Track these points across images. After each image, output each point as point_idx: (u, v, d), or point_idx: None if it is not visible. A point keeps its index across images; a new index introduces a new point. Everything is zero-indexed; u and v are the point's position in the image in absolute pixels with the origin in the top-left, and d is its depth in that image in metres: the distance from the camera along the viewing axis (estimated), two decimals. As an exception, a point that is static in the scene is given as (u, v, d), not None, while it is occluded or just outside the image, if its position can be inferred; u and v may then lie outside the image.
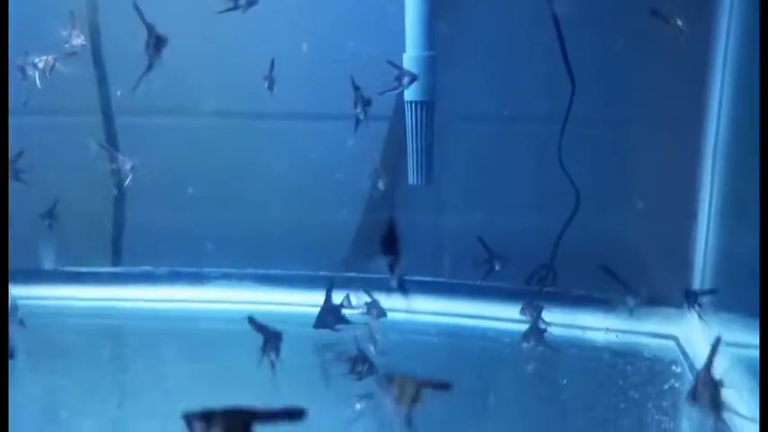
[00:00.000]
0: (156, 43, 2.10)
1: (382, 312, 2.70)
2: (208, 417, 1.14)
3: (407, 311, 2.72)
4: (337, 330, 2.58)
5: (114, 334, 2.76)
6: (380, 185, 2.82)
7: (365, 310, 2.68)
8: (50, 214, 2.79)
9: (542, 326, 2.56)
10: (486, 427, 2.20)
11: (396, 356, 2.69)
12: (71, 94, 2.92)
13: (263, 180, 3.10)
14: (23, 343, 2.31)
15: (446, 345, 2.82)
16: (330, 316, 2.57)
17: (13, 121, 2.90)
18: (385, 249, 1.68)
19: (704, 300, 2.60)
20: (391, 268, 1.73)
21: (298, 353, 2.69)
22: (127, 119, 3.14)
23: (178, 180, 3.00)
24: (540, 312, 2.60)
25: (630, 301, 2.55)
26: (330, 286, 2.61)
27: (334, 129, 3.02)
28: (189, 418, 1.14)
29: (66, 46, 2.60)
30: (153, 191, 2.93)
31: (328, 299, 2.59)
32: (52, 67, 2.57)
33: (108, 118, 3.11)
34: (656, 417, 2.16)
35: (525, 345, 2.53)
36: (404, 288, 2.37)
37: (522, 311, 2.66)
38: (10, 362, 1.96)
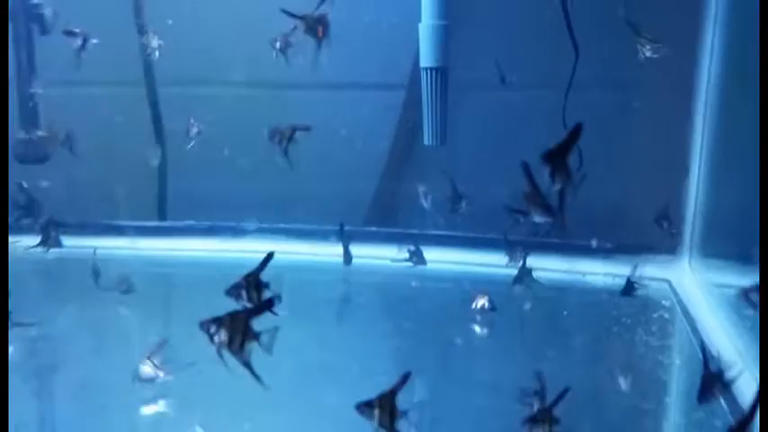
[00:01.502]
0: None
1: (423, 261, 3.13)
2: (217, 319, 1.52)
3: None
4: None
5: (163, 279, 3.09)
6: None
7: (408, 258, 3.13)
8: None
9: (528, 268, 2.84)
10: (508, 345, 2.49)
11: (420, 300, 3.03)
12: (118, 68, 3.25)
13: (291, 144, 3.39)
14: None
15: (458, 290, 3.11)
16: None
17: (67, 92, 3.23)
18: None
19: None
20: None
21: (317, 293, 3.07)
22: (167, 89, 3.44)
23: (215, 145, 3.29)
24: (525, 258, 2.88)
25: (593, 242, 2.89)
26: (342, 230, 3.04)
27: (354, 97, 3.32)
28: (203, 324, 1.52)
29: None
30: (193, 155, 3.24)
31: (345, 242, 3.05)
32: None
33: (151, 89, 3.41)
34: (645, 337, 2.46)
35: (517, 287, 2.82)
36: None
37: (510, 261, 2.95)
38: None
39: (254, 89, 3.41)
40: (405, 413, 1.56)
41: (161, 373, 2.03)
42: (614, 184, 3.17)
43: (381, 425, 1.54)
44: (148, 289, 2.84)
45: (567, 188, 1.65)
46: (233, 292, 1.72)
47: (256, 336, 1.50)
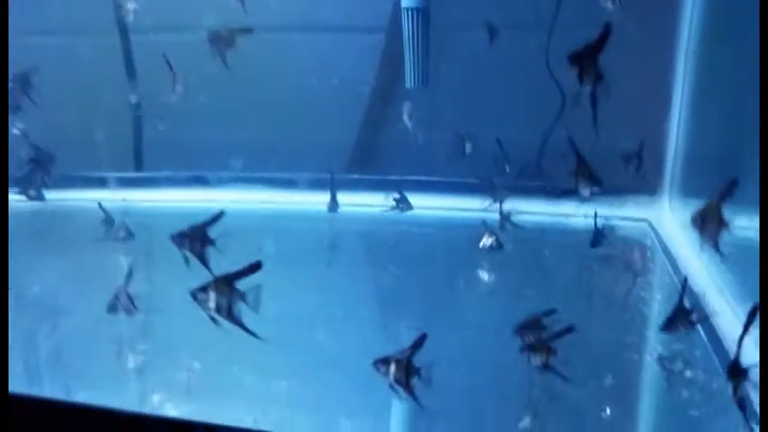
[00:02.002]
0: None
1: (409, 206, 3.14)
2: (204, 287, 1.60)
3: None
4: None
5: (143, 229, 3.04)
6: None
7: (395, 205, 3.13)
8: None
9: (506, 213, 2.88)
10: (493, 287, 2.53)
11: (402, 246, 3.03)
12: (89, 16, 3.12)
13: (268, 90, 3.31)
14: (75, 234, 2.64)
15: (443, 235, 3.12)
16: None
17: (36, 41, 3.10)
18: None
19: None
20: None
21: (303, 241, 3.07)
22: (140, 37, 3.32)
23: (189, 93, 3.20)
24: (502, 202, 2.92)
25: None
26: (332, 177, 2.99)
27: (333, 40, 3.23)
28: (193, 293, 1.60)
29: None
30: (168, 103, 3.15)
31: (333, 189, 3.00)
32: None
33: (124, 37, 3.29)
34: (625, 274, 2.49)
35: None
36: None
37: (490, 205, 2.96)
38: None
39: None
40: (419, 371, 1.60)
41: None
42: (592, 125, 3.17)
43: (397, 381, 1.59)
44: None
45: (599, 88, 1.65)
46: (177, 239, 1.74)
47: (242, 296, 1.58)
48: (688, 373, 1.92)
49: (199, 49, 3.31)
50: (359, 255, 3.00)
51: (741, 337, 1.34)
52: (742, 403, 1.31)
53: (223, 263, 1.78)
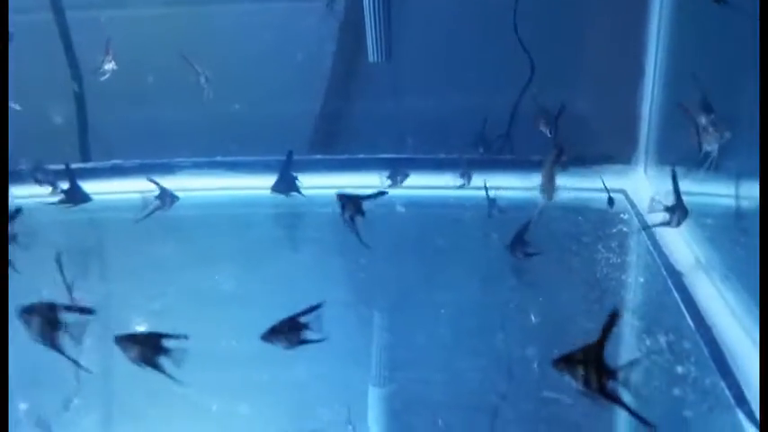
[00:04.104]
0: None
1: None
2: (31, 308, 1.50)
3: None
4: (290, 196, 2.80)
5: (93, 224, 2.86)
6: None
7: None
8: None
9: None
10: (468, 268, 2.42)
11: (369, 225, 2.89)
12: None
13: (222, 67, 3.11)
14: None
15: (413, 213, 2.99)
16: (284, 183, 2.79)
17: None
18: None
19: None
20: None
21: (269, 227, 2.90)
22: (77, 13, 3.08)
23: (135, 73, 2.99)
24: (470, 178, 2.87)
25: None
26: (289, 156, 2.78)
27: (289, 9, 3.04)
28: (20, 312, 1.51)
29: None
30: (114, 86, 2.93)
31: (287, 168, 2.78)
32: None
33: (59, 13, 3.04)
34: (605, 254, 2.40)
35: None
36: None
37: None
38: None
39: (173, 7, 3.09)
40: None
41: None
42: (565, 90, 3.05)
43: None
44: (72, 239, 2.63)
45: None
46: None
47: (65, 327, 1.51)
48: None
49: (147, 25, 3.12)
50: (324, 243, 2.85)
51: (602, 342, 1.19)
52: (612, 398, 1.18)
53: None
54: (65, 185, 2.70)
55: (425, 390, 1.76)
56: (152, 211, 2.59)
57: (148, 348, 1.50)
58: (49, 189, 2.74)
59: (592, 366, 1.19)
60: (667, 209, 2.22)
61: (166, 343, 1.50)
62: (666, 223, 2.23)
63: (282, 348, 1.62)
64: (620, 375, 1.18)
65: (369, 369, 1.95)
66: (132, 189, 3.07)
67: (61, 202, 2.68)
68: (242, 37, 3.12)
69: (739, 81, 2.21)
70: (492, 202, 2.70)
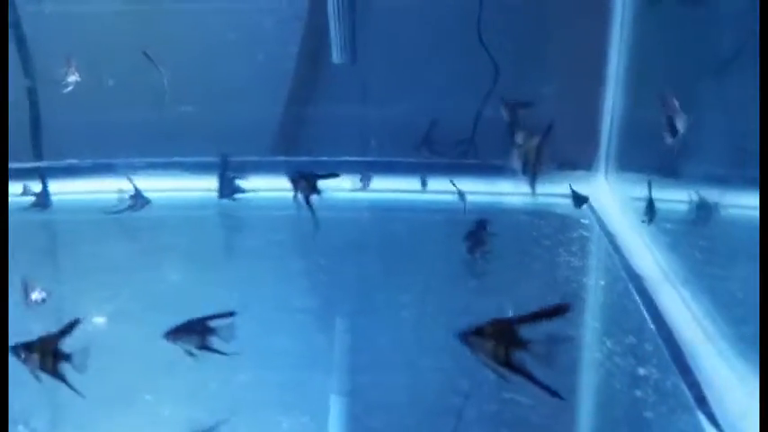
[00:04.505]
0: None
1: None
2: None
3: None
4: (236, 200, 2.78)
5: (47, 225, 2.76)
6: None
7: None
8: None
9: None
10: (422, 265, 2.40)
11: (337, 230, 2.86)
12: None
13: (183, 67, 3.04)
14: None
15: (376, 216, 2.96)
16: (226, 188, 2.80)
17: None
18: None
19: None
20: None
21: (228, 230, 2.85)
22: (30, 7, 2.98)
23: (91, 70, 2.91)
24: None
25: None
26: (224, 161, 2.78)
27: (252, 10, 2.99)
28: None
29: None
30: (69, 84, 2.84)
31: (223, 174, 2.77)
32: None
33: (12, 7, 2.94)
34: (567, 257, 2.40)
35: None
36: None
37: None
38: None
39: (132, 4, 3.02)
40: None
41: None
42: (528, 97, 3.06)
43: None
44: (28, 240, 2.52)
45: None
46: None
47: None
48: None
49: (107, 22, 3.04)
50: (285, 246, 2.79)
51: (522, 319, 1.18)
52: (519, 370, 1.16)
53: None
54: (36, 188, 2.63)
55: (387, 392, 1.72)
56: (123, 210, 2.56)
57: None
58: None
59: (502, 340, 1.17)
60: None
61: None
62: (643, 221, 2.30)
63: (184, 351, 1.57)
64: (533, 348, 1.16)
65: (329, 372, 1.91)
66: (87, 189, 2.99)
67: (33, 205, 2.60)
68: (203, 36, 3.06)
69: (696, 92, 2.25)
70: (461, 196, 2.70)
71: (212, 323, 1.56)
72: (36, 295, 1.92)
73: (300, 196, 2.02)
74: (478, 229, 2.30)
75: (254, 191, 2.87)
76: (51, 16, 2.97)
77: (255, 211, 2.87)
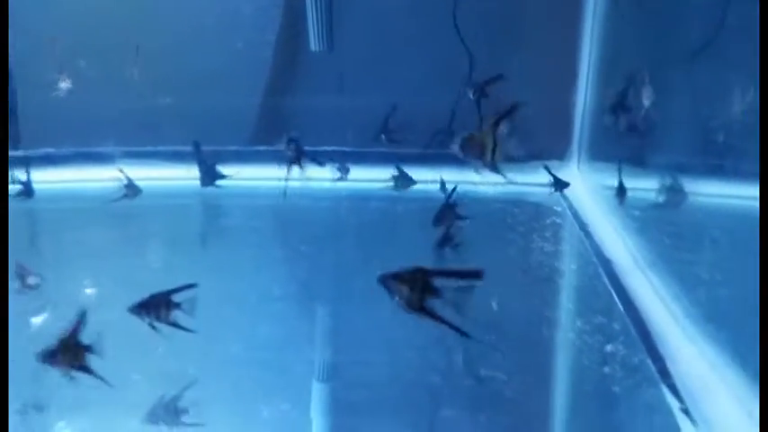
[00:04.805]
0: None
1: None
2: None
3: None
4: (219, 187, 2.79)
5: (28, 214, 2.76)
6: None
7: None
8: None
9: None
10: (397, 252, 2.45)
11: (316, 219, 2.90)
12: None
13: (160, 53, 3.04)
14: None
15: (353, 206, 3.01)
16: (207, 176, 2.81)
17: None
18: None
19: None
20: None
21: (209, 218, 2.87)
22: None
23: (70, 57, 2.91)
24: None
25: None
26: (197, 149, 2.81)
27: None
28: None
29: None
30: (45, 70, 2.84)
31: (202, 161, 2.79)
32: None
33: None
34: (540, 243, 2.47)
35: None
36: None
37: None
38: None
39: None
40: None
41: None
42: (503, 89, 3.13)
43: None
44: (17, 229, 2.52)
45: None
46: None
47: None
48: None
49: (87, 6, 3.02)
50: (266, 234, 2.82)
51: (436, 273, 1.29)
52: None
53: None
54: (22, 177, 2.64)
55: (366, 371, 1.77)
56: (118, 199, 2.61)
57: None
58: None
59: (416, 286, 1.27)
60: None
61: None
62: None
63: (147, 324, 1.61)
64: (444, 295, 1.27)
65: (311, 353, 1.96)
66: (67, 178, 2.99)
67: (19, 194, 2.63)
68: (183, 23, 3.07)
69: (664, 81, 2.32)
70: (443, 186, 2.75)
71: (175, 297, 1.60)
72: (31, 280, 1.93)
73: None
74: (446, 214, 2.32)
75: (234, 178, 2.90)
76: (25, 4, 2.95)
77: (237, 199, 2.90)
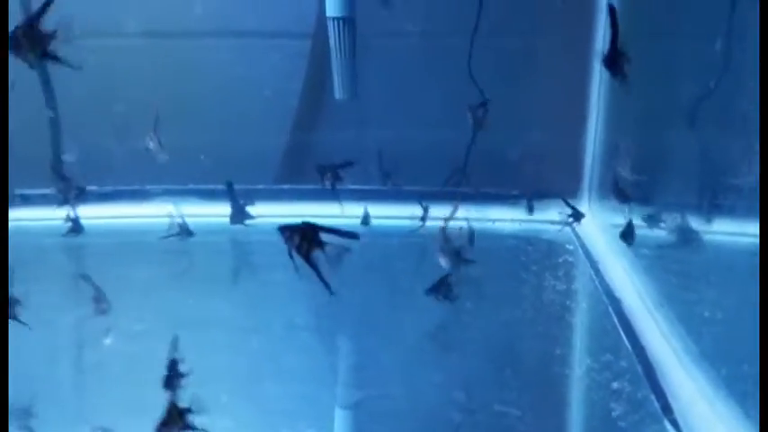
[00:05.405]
0: None
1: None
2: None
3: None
4: (247, 225, 3.00)
5: (72, 248, 2.94)
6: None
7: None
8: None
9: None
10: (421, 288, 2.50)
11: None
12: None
13: (194, 98, 3.25)
14: None
15: (378, 242, 3.16)
16: (237, 213, 3.04)
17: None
18: None
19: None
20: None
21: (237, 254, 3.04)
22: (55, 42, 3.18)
23: (109, 101, 3.11)
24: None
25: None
26: (231, 188, 3.00)
27: (259, 46, 3.21)
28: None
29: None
30: (88, 114, 3.05)
31: (234, 200, 2.99)
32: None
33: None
34: (552, 282, 2.61)
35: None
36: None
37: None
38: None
39: (148, 39, 3.23)
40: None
41: None
42: (517, 130, 3.30)
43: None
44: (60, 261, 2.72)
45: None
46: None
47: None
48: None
49: (123, 55, 3.23)
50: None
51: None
52: None
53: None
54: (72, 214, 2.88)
55: (388, 404, 1.91)
56: (170, 236, 2.86)
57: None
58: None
59: (306, 238, 1.55)
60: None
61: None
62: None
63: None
64: (326, 250, 1.56)
65: (333, 387, 2.10)
66: (106, 215, 3.18)
67: (70, 231, 2.88)
68: (215, 71, 3.27)
69: (671, 124, 2.46)
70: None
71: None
72: (104, 306, 2.22)
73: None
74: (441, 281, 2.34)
75: (261, 217, 3.08)
76: (75, 49, 3.16)
77: (264, 236, 3.06)
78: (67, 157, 3.12)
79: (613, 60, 1.83)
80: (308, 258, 1.55)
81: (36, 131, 3.17)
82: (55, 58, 1.53)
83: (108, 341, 2.20)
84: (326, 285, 1.57)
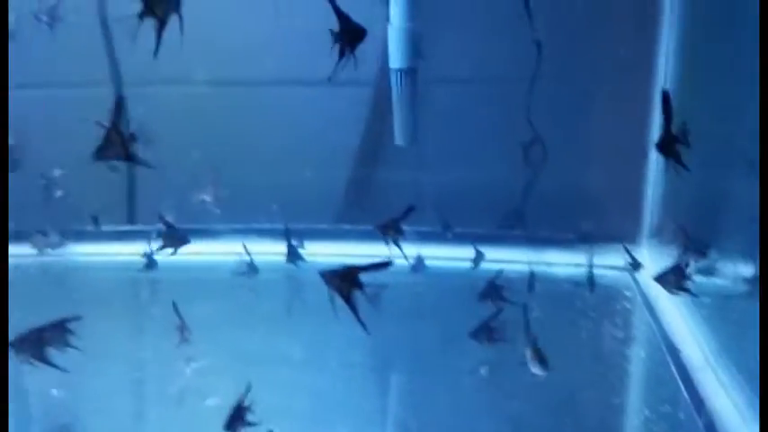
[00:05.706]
0: None
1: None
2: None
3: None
4: (299, 265, 3.13)
5: (140, 284, 3.10)
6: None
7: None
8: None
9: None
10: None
11: (389, 293, 3.10)
12: (82, 68, 3.21)
13: (258, 143, 3.41)
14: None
15: (431, 283, 3.21)
16: (291, 254, 3.16)
17: (26, 94, 3.17)
18: None
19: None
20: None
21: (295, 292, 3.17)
22: (132, 89, 3.40)
23: (182, 145, 3.29)
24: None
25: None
26: (287, 231, 3.14)
27: (324, 94, 3.35)
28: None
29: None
30: (162, 156, 3.22)
31: (290, 242, 3.13)
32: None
33: (118, 89, 3.37)
34: (610, 329, 2.59)
35: None
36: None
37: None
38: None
39: (220, 87, 3.41)
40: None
41: None
42: (575, 174, 3.31)
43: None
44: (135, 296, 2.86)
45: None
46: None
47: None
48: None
49: (196, 102, 3.43)
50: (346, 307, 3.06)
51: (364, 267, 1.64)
52: None
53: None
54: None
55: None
56: (242, 274, 3.08)
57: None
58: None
59: (346, 280, 1.63)
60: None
61: None
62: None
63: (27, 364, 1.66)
64: (365, 290, 1.64)
65: (385, 428, 2.14)
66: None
67: (145, 266, 3.08)
68: (280, 115, 3.43)
69: (728, 173, 2.44)
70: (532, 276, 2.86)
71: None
72: (186, 335, 2.42)
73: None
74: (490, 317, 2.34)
75: (321, 255, 3.17)
76: (148, 98, 3.37)
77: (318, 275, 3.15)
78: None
79: (667, 145, 1.85)
80: (348, 300, 1.63)
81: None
82: (136, 160, 1.56)
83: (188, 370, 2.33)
84: (363, 325, 1.65)
